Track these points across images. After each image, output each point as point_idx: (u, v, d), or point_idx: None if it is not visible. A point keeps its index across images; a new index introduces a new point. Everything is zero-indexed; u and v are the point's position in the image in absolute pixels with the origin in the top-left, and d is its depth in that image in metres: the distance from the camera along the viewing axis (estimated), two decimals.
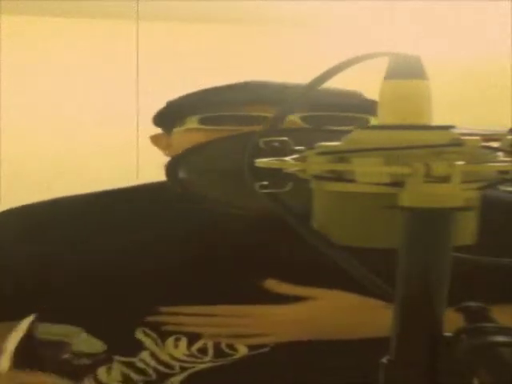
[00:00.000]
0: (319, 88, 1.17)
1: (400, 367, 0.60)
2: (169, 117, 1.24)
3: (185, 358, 1.18)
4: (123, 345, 1.20)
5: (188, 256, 1.18)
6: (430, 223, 0.57)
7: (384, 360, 0.60)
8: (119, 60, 4.02)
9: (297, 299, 1.16)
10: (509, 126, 0.61)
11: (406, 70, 0.62)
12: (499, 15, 3.66)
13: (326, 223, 0.63)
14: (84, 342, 1.22)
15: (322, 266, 1.13)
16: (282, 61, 3.85)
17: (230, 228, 1.18)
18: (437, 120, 0.62)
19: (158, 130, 1.28)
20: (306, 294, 1.16)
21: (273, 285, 1.15)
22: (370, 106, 1.13)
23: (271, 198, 0.64)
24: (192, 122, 1.19)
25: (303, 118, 1.13)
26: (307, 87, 0.63)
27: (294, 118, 1.13)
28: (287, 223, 1.10)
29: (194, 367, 1.18)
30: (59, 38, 3.98)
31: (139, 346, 1.19)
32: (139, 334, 1.18)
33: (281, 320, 1.16)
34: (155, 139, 1.29)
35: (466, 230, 0.61)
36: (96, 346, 1.21)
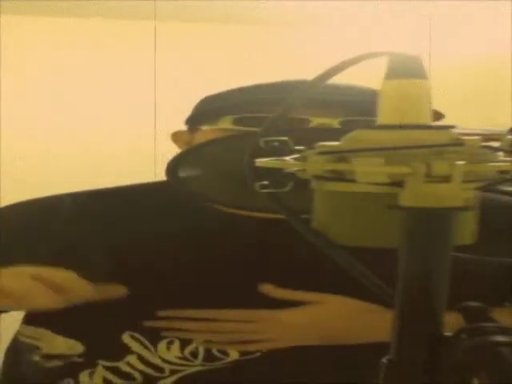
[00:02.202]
0: (359, 91, 1.16)
1: (400, 367, 0.60)
2: (202, 114, 1.20)
3: (176, 361, 1.15)
4: (107, 349, 1.17)
5: (186, 258, 1.16)
6: (430, 223, 0.57)
7: (384, 360, 0.60)
8: (119, 60, 4.02)
9: (300, 304, 1.13)
10: (509, 126, 0.61)
11: (406, 70, 0.62)
12: (500, 15, 3.66)
13: (326, 223, 0.62)
14: (57, 343, 1.18)
15: (323, 271, 1.13)
16: (282, 61, 3.85)
17: (229, 231, 1.16)
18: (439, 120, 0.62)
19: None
20: (306, 299, 1.14)
21: (269, 289, 1.12)
22: None
23: (272, 197, 0.64)
24: (225, 122, 1.14)
25: (343, 123, 1.10)
26: (307, 87, 0.63)
27: (332, 123, 1.09)
28: (288, 227, 1.10)
29: (184, 370, 1.16)
30: (59, 38, 3.98)
31: (125, 350, 1.16)
32: (126, 338, 1.16)
33: (285, 325, 1.13)
34: (176, 136, 1.25)
35: (466, 230, 0.61)
36: (72, 346, 1.18)
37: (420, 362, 0.59)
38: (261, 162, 0.63)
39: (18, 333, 1.25)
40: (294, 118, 1.10)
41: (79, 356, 1.18)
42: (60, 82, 3.98)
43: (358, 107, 1.10)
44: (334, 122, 1.10)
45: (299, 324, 1.14)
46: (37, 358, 1.20)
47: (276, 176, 0.63)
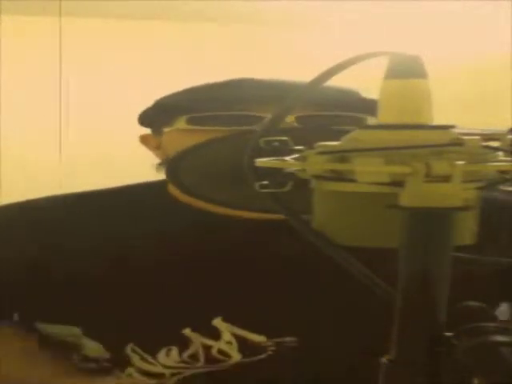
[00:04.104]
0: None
1: (400, 367, 0.60)
2: (156, 116, 1.19)
3: (176, 365, 1.15)
4: (117, 358, 1.17)
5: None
6: (430, 223, 0.57)
7: (384, 360, 0.60)
8: (119, 59, 4.02)
9: None
10: (509, 126, 0.61)
11: (405, 70, 0.62)
12: (500, 15, 3.66)
13: (326, 223, 0.62)
14: (91, 345, 1.18)
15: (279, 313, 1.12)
16: (282, 61, 3.85)
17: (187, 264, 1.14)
18: (439, 120, 0.62)
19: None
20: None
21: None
22: (368, 106, 1.08)
23: (272, 197, 0.64)
24: (180, 122, 1.13)
25: (299, 119, 1.08)
26: (307, 87, 0.63)
27: (288, 119, 1.06)
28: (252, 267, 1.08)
29: (184, 372, 1.15)
30: (59, 38, 3.98)
31: (128, 362, 1.16)
32: (128, 350, 1.15)
33: None
34: (144, 139, 1.24)
35: (466, 230, 0.61)
36: (98, 349, 1.18)
37: (420, 362, 0.59)
38: (261, 162, 0.62)
39: (49, 333, 1.23)
40: (250, 116, 1.09)
41: (107, 361, 1.18)
42: (60, 82, 3.98)
43: (313, 103, 1.09)
44: (290, 119, 1.07)
45: None
46: (74, 357, 1.20)
47: (276, 176, 0.63)
